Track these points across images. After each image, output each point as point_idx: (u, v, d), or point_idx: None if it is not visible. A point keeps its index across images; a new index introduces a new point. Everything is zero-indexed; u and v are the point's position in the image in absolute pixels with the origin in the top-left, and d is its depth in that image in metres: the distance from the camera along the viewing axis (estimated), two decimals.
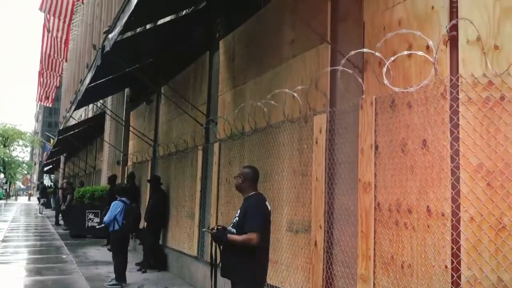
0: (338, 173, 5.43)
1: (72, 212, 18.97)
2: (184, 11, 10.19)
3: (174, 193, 11.68)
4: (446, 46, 4.08)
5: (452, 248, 3.86)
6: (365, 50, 4.75)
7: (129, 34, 9.96)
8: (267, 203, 5.28)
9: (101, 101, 21.32)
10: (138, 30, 10.63)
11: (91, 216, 17.79)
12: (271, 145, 6.84)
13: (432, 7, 4.26)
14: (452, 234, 3.87)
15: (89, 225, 17.75)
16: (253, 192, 5.27)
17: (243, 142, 7.77)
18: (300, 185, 6.08)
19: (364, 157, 4.88)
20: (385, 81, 4.19)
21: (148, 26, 10.93)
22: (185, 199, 10.76)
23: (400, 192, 4.44)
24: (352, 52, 4.68)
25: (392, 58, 4.35)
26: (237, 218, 5.10)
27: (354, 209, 5.05)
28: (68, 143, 26.64)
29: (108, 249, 12.77)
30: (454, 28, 4.04)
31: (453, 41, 4.05)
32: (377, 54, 4.46)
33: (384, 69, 4.27)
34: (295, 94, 5.93)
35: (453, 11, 4.06)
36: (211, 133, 9.34)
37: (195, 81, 10.68)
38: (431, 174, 4.13)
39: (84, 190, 18.77)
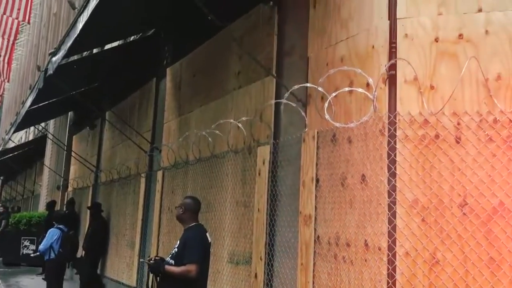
0: (280, 205, 5.45)
1: (7, 239, 18.12)
2: (132, 37, 10.13)
3: (115, 220, 11.39)
4: (385, 85, 4.22)
5: (388, 282, 3.92)
6: (308, 84, 4.85)
7: (75, 57, 9.78)
8: (207, 234, 5.23)
9: (43, 124, 20.72)
10: (84, 54, 10.47)
11: (26, 243, 17.06)
12: (215, 175, 6.81)
13: (373, 46, 4.40)
14: (388, 268, 3.94)
15: (24, 252, 17.01)
16: (194, 223, 5.21)
17: (186, 171, 7.71)
18: (242, 216, 6.06)
19: (305, 190, 4.93)
20: (326, 116, 4.27)
21: (94, 51, 10.79)
22: (126, 227, 10.50)
23: (339, 225, 4.49)
24: (296, 86, 4.76)
25: (334, 94, 4.45)
26: (176, 249, 5.02)
27: (294, 242, 5.06)
28: (6, 166, 25.65)
29: (43, 279, 12.24)
30: (393, 67, 4.19)
31: (391, 80, 4.19)
32: (319, 89, 4.55)
33: (326, 104, 4.36)
34: (240, 125, 5.95)
35: (392, 51, 4.22)
36: (155, 161, 9.22)
37: (140, 107, 10.56)
38: (369, 209, 4.20)
39: (21, 215, 18.04)
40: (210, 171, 6.93)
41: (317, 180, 4.82)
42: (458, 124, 4.03)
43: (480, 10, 4.14)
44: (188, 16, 7.86)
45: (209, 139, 6.62)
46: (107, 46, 10.55)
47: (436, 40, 4.17)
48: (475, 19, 4.13)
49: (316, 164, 4.84)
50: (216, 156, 6.69)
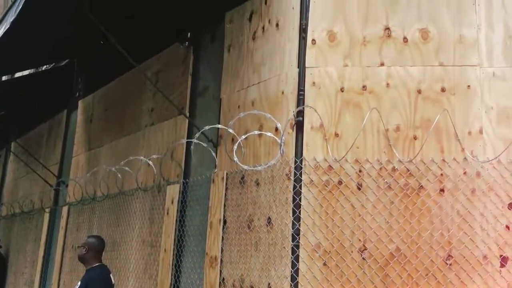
0: (187, 246, 5.37)
1: None
2: (45, 66, 9.80)
3: (14, 258, 10.70)
4: (293, 130, 4.34)
5: None
6: (219, 126, 4.89)
7: None
8: (111, 275, 5.03)
9: None
10: None
11: None
12: (122, 213, 6.62)
13: (283, 92, 4.53)
14: None
15: None
16: (97, 264, 5.00)
17: (93, 208, 7.44)
18: (148, 256, 5.90)
19: (213, 231, 4.90)
20: (235, 158, 4.31)
21: (4, 78, 10.31)
22: (25, 265, 9.89)
23: (245, 268, 4.48)
24: (207, 127, 4.78)
25: (244, 137, 4.52)
26: None
27: (200, 284, 4.99)
28: None
29: None
30: (300, 113, 4.33)
31: (299, 125, 4.32)
32: (230, 130, 4.59)
33: (235, 147, 4.41)
34: (150, 162, 5.86)
35: (301, 98, 4.36)
36: (60, 196, 8.82)
37: (49, 139, 10.15)
38: (274, 252, 4.24)
39: None
40: (118, 208, 6.74)
41: (225, 222, 4.82)
42: (360, 171, 4.20)
43: (382, 64, 4.39)
44: (102, 49, 7.74)
45: (118, 175, 6.45)
46: (18, 74, 10.12)
47: (342, 90, 4.37)
48: (378, 72, 4.38)
49: (224, 206, 4.85)
50: (125, 193, 6.52)
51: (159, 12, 6.44)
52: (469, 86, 4.28)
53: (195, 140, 4.86)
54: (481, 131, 4.18)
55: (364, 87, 4.37)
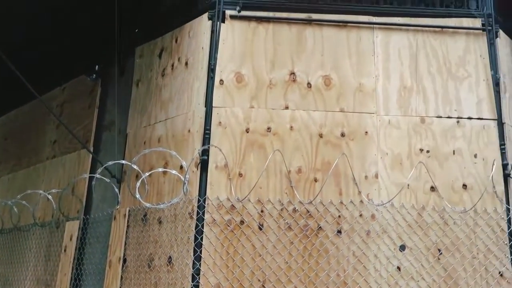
0: (84, 285, 5.14)
1: None
2: None
3: None
4: (197, 169, 4.34)
5: None
6: (123, 161, 4.79)
7: None
8: None
9: None
10: None
11: None
12: (17, 249, 6.25)
13: (189, 130, 4.54)
14: None
15: None
16: None
17: None
18: None
19: (112, 270, 4.74)
20: (137, 196, 4.24)
21: None
22: None
23: None
24: (110, 162, 4.68)
25: (148, 173, 4.46)
26: None
27: None
28: None
29: None
30: (206, 152, 4.35)
31: (204, 164, 4.33)
32: (134, 167, 4.51)
33: (138, 183, 4.34)
34: (50, 197, 5.60)
35: (206, 137, 4.39)
36: None
37: None
38: None
39: None
40: (12, 244, 6.35)
41: (125, 260, 4.68)
42: (262, 211, 4.26)
43: (287, 107, 4.54)
44: (3, 78, 7.40)
45: (15, 209, 6.11)
46: None
47: (247, 130, 4.45)
48: (282, 115, 4.51)
49: (125, 244, 4.72)
50: (20, 228, 6.17)
51: (67, 41, 6.28)
52: (366, 132, 4.51)
53: (97, 175, 4.72)
54: (376, 176, 4.40)
55: (268, 128, 4.47)
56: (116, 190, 4.91)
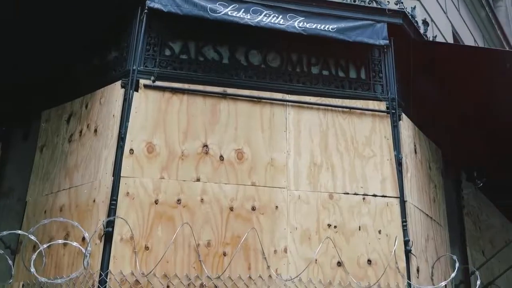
0: None
1: None
2: None
3: None
4: (101, 241, 4.12)
5: None
6: (19, 232, 4.46)
7: None
8: None
9: None
10: None
11: None
12: None
13: (94, 200, 4.34)
14: None
15: None
16: None
17: None
18: None
19: None
20: (32, 269, 3.92)
21: None
22: None
23: None
24: (5, 232, 4.33)
25: (46, 245, 4.17)
26: None
27: None
28: None
29: None
30: (110, 224, 4.15)
31: (108, 236, 4.13)
32: (31, 237, 4.20)
33: (34, 255, 4.03)
34: None
35: (112, 208, 4.21)
36: None
37: None
38: None
39: None
40: None
41: None
42: (168, 286, 4.08)
43: (198, 180, 4.48)
44: None
45: None
46: None
47: (156, 202, 4.33)
48: (193, 187, 4.45)
49: None
50: None
51: None
52: (277, 206, 4.54)
53: None
54: (285, 250, 4.39)
55: (178, 200, 4.38)
56: (10, 262, 4.53)
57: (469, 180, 6.77)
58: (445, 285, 5.01)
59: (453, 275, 4.67)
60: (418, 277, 4.66)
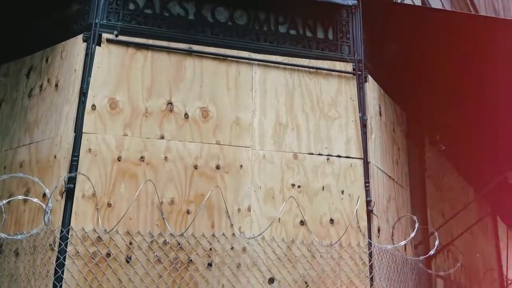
0: None
1: None
2: None
3: None
4: (62, 197, 4.07)
5: None
6: None
7: None
8: None
9: None
10: None
11: None
12: None
13: (55, 156, 4.26)
14: None
15: None
16: None
17: None
18: None
19: None
20: None
21: None
22: None
23: None
24: None
25: (5, 201, 4.10)
26: None
27: None
28: None
29: None
30: (72, 180, 4.09)
31: (69, 193, 4.07)
32: None
33: None
34: None
35: (74, 164, 4.14)
36: None
37: None
38: None
39: None
40: None
41: None
42: (130, 243, 4.08)
43: (162, 137, 4.44)
44: None
45: None
46: None
47: (119, 159, 4.28)
48: (157, 145, 4.40)
49: None
50: None
51: None
52: (241, 165, 4.54)
53: None
54: (249, 209, 4.42)
55: (142, 158, 4.33)
56: None
57: (432, 144, 6.91)
58: (405, 244, 5.15)
59: (412, 235, 4.80)
60: (379, 237, 4.76)
